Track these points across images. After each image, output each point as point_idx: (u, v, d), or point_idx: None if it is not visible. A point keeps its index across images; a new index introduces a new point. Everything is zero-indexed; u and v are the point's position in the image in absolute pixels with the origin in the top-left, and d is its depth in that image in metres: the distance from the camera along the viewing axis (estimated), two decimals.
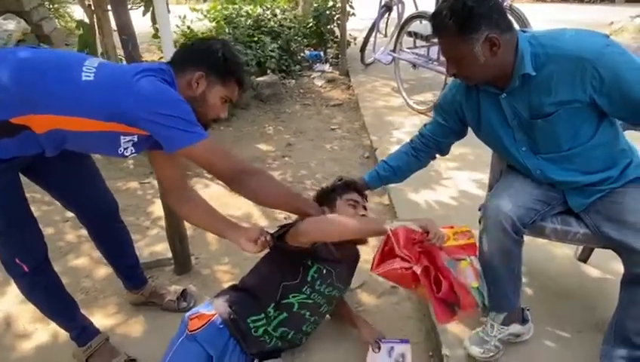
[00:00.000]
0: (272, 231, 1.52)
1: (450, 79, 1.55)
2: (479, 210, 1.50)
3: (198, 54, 1.37)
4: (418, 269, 1.20)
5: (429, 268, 1.23)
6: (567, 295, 1.81)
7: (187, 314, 1.52)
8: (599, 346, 1.42)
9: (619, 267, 1.40)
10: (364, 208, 1.67)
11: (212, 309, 1.48)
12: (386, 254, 1.24)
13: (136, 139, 1.36)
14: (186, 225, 2.12)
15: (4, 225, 1.38)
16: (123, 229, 1.80)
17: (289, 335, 1.57)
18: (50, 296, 1.57)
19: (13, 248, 1.43)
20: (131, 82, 1.24)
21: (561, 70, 1.26)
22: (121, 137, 1.33)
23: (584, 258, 1.95)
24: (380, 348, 1.62)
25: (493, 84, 1.39)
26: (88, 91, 1.23)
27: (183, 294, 1.93)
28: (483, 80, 1.37)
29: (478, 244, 1.50)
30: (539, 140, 1.40)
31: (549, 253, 2.02)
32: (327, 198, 1.66)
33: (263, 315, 1.50)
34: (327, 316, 1.76)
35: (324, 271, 1.53)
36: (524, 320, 1.57)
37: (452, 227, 1.35)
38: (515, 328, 1.54)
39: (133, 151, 1.40)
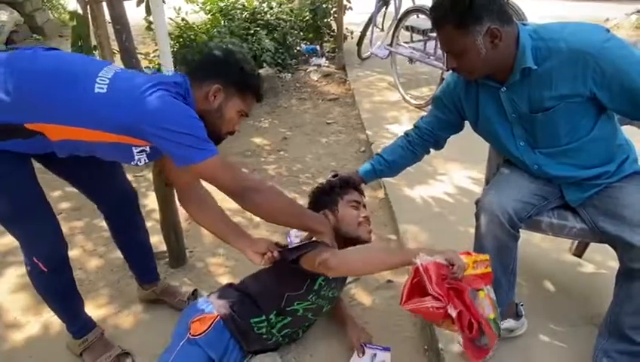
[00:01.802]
0: (281, 248, 1.51)
1: (447, 74, 1.54)
2: (476, 203, 1.49)
3: (217, 66, 1.36)
4: (453, 313, 1.16)
5: (462, 312, 1.19)
6: (561, 290, 1.81)
7: (187, 311, 1.51)
8: (593, 340, 1.43)
9: (613, 262, 1.40)
10: (364, 207, 1.65)
11: (213, 310, 1.47)
12: (414, 287, 1.20)
13: (148, 150, 1.35)
14: (181, 218, 2.11)
15: (20, 219, 1.36)
16: (140, 222, 1.79)
17: (290, 333, 1.58)
18: (63, 295, 1.57)
19: (30, 243, 1.41)
20: (140, 98, 1.23)
21: (562, 64, 1.26)
22: (133, 148, 1.32)
23: (579, 253, 1.96)
24: (364, 353, 1.61)
25: (493, 77, 1.38)
26: (99, 104, 1.22)
27: (194, 294, 1.90)
28: (483, 73, 1.36)
29: (474, 239, 1.51)
30: (537, 135, 1.40)
31: (543, 248, 2.03)
32: (327, 200, 1.62)
33: (264, 317, 1.49)
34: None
35: (330, 278, 1.52)
36: (517, 315, 1.57)
37: (469, 253, 1.30)
38: (509, 323, 1.54)
39: (147, 160, 1.39)
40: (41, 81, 1.22)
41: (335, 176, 1.73)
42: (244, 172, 1.47)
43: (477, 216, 1.47)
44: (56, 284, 1.52)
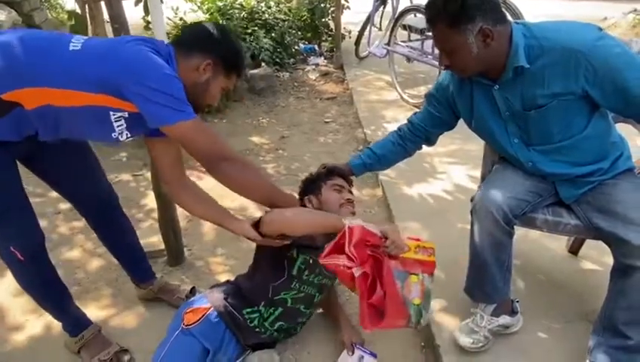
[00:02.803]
0: None
1: (444, 72, 1.55)
2: (471, 200, 1.51)
3: (209, 41, 1.34)
4: (357, 272, 1.20)
5: (367, 274, 1.23)
6: (557, 286, 1.83)
7: (182, 307, 1.53)
8: (588, 336, 1.44)
9: (609, 259, 1.41)
10: (350, 192, 1.66)
11: (207, 302, 1.48)
12: (338, 247, 1.24)
13: (127, 116, 1.30)
14: (180, 216, 2.12)
15: None
16: (125, 222, 1.78)
17: (285, 327, 1.58)
18: (45, 285, 1.56)
19: (7, 235, 1.40)
20: (120, 49, 1.20)
21: (555, 62, 1.27)
22: (111, 113, 1.28)
23: (574, 250, 1.97)
24: (353, 352, 1.62)
25: (486, 75, 1.39)
26: (75, 60, 1.20)
27: (192, 292, 1.91)
28: (476, 72, 1.38)
29: (469, 237, 1.52)
30: (531, 132, 1.41)
31: (539, 245, 2.04)
32: (312, 186, 1.64)
33: (256, 308, 1.50)
34: (320, 309, 1.77)
35: (311, 261, 1.52)
36: (513, 312, 1.58)
37: (418, 240, 1.35)
38: (505, 319, 1.55)
39: (128, 135, 1.36)
40: (14, 46, 1.20)
41: (324, 167, 1.74)
42: (224, 142, 1.44)
43: (472, 213, 1.48)
44: (35, 273, 1.50)
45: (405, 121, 1.76)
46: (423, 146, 1.77)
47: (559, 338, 1.59)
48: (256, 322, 1.50)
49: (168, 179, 1.49)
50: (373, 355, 1.63)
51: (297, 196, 1.69)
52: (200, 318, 1.42)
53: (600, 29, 1.28)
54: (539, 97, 1.33)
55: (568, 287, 1.81)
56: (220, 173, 1.36)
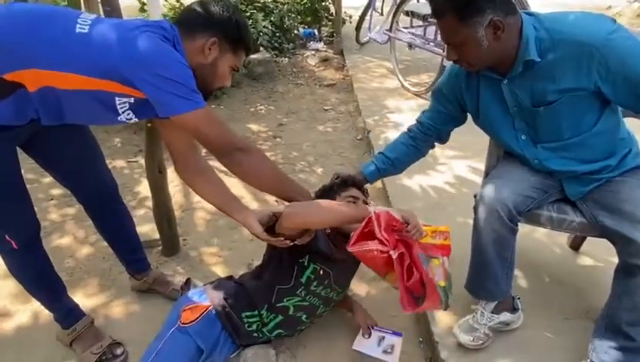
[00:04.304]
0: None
1: (448, 62, 1.49)
2: (475, 196, 1.46)
3: (211, 18, 1.28)
4: (394, 254, 1.19)
5: (404, 255, 1.22)
6: (557, 282, 1.80)
7: (181, 301, 1.49)
8: (589, 334, 1.42)
9: (610, 255, 1.39)
10: (365, 203, 1.59)
11: (207, 300, 1.45)
12: (365, 235, 1.23)
13: (132, 101, 1.26)
14: (174, 205, 2.07)
15: None
16: (123, 211, 1.73)
17: (283, 334, 1.55)
18: (38, 275, 1.52)
19: (3, 224, 1.37)
20: (129, 37, 1.15)
21: (566, 56, 1.22)
22: (116, 98, 1.23)
23: (576, 245, 1.95)
24: (370, 335, 1.60)
25: (494, 69, 1.34)
26: (81, 44, 1.14)
27: (187, 283, 1.87)
28: (485, 66, 1.32)
29: (472, 232, 1.48)
30: (539, 129, 1.36)
31: (540, 241, 2.01)
32: (325, 198, 1.57)
33: (256, 312, 1.47)
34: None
35: (321, 272, 1.47)
36: (514, 309, 1.56)
37: (430, 225, 1.35)
38: (506, 316, 1.53)
39: (134, 117, 1.31)
40: (18, 23, 1.15)
41: (337, 177, 1.68)
42: (233, 130, 1.39)
43: (475, 209, 1.44)
44: (29, 263, 1.47)
45: (409, 113, 1.72)
46: (436, 144, 1.71)
47: (559, 335, 1.56)
48: (254, 327, 1.47)
49: (180, 163, 1.43)
50: (397, 334, 1.61)
51: None
52: (198, 317, 1.39)
53: (613, 21, 1.22)
54: (549, 93, 1.27)
55: (568, 283, 1.79)
56: (233, 163, 1.31)
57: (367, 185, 1.72)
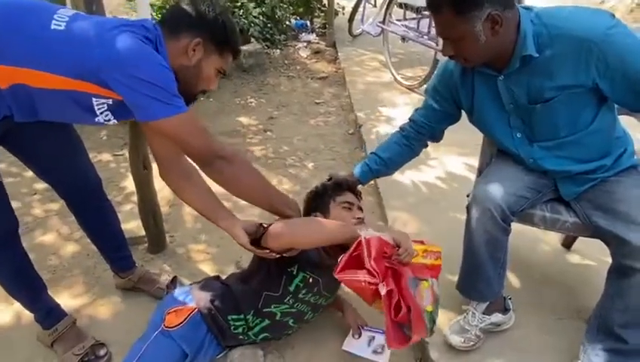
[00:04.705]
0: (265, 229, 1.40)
1: (441, 55, 1.45)
2: (468, 196, 1.43)
3: (196, 18, 1.22)
4: (383, 290, 1.14)
5: (392, 291, 1.17)
6: (548, 281, 1.78)
7: (166, 301, 1.45)
8: (580, 334, 1.40)
9: (602, 254, 1.36)
10: (360, 209, 1.55)
11: (192, 301, 1.41)
12: (353, 259, 1.17)
13: (110, 102, 1.20)
14: (161, 201, 2.02)
15: None
16: (107, 208, 1.68)
17: (270, 338, 1.52)
18: (16, 273, 1.47)
19: None
20: (107, 36, 1.09)
21: (565, 52, 1.18)
22: (93, 99, 1.18)
23: (568, 244, 1.93)
24: (360, 335, 1.58)
25: (490, 65, 1.30)
26: (56, 42, 1.09)
27: (173, 282, 1.82)
28: (481, 61, 1.28)
29: (463, 232, 1.46)
30: (535, 126, 1.33)
31: (531, 239, 1.99)
32: (319, 202, 1.54)
33: (242, 316, 1.43)
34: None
35: (311, 280, 1.43)
36: (505, 309, 1.54)
37: (423, 242, 1.30)
38: (497, 317, 1.51)
39: (113, 118, 1.25)
40: None
41: (330, 179, 1.64)
42: (215, 137, 1.33)
43: (468, 209, 1.41)
44: (6, 261, 1.42)
45: (402, 107, 1.67)
46: (429, 143, 1.68)
47: (550, 335, 1.55)
48: (240, 330, 1.43)
49: (163, 165, 1.37)
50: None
51: (302, 212, 1.56)
52: (182, 321, 1.34)
53: (612, 16, 1.19)
54: (546, 90, 1.24)
55: (559, 283, 1.77)
56: (215, 171, 1.27)
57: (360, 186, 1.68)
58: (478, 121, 1.45)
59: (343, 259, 1.17)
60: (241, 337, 1.45)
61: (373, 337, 1.58)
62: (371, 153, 1.68)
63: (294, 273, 1.42)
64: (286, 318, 1.46)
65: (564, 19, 1.20)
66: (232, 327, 1.42)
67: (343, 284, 1.24)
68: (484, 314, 1.49)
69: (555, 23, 1.20)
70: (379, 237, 1.18)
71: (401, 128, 1.65)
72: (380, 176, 1.71)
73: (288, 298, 1.42)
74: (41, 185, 2.50)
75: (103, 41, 1.09)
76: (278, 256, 1.32)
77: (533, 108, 1.29)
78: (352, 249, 1.17)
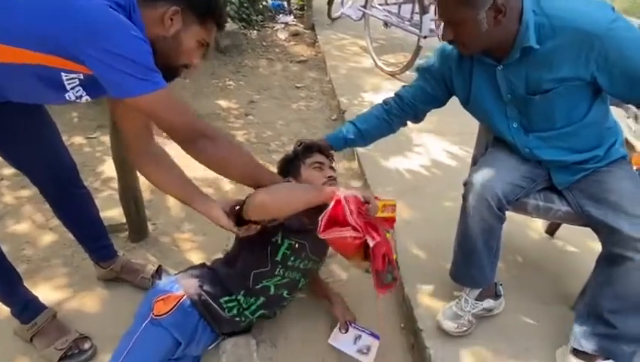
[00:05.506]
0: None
1: (424, 41, 1.42)
2: (464, 184, 1.44)
3: None
4: (371, 243, 1.18)
5: (380, 243, 1.21)
6: (534, 268, 1.83)
7: (152, 292, 1.39)
8: (568, 320, 1.45)
9: (585, 240, 1.39)
10: (332, 168, 1.55)
11: (180, 289, 1.36)
12: (334, 219, 1.20)
13: (82, 77, 1.09)
14: (142, 186, 1.93)
15: None
16: (83, 194, 1.59)
17: (266, 314, 1.51)
18: None
19: None
20: (75, 5, 0.97)
21: (566, 44, 1.18)
22: (62, 75, 1.07)
23: (551, 231, 1.98)
24: (347, 330, 1.57)
25: (490, 54, 1.29)
26: (20, 13, 0.97)
27: (158, 271, 1.76)
28: (480, 50, 1.27)
29: (459, 219, 1.46)
30: (532, 117, 1.34)
31: (516, 226, 2.03)
32: (291, 166, 1.53)
33: (234, 297, 1.40)
34: (302, 294, 1.69)
35: (297, 246, 1.43)
36: (497, 295, 1.56)
37: (377, 198, 1.33)
38: (489, 303, 1.54)
39: (85, 95, 1.15)
40: None
41: (300, 144, 1.61)
42: (196, 114, 1.25)
43: (464, 197, 1.42)
44: None
45: (385, 93, 1.64)
46: (409, 123, 1.67)
47: (539, 320, 1.59)
48: (235, 311, 1.41)
49: (133, 148, 1.30)
50: (376, 337, 1.57)
51: None
52: (172, 308, 1.30)
53: (612, 9, 1.20)
54: (545, 81, 1.24)
55: (546, 269, 1.82)
56: (197, 150, 1.19)
57: (346, 165, 1.65)
58: (475, 109, 1.45)
59: (322, 218, 1.18)
60: (237, 319, 1.43)
61: (360, 336, 1.57)
62: (349, 121, 1.66)
63: (279, 241, 1.41)
64: (280, 290, 1.46)
65: (567, 10, 1.19)
66: (227, 309, 1.39)
67: (328, 242, 1.26)
68: (476, 300, 1.51)
69: (557, 13, 1.19)
70: (355, 196, 1.21)
71: (385, 102, 1.63)
72: (354, 145, 1.71)
73: (278, 268, 1.42)
74: (9, 170, 2.36)
75: (72, 10, 0.97)
76: (260, 227, 1.31)
77: (530, 99, 1.30)
78: (330, 208, 1.18)
